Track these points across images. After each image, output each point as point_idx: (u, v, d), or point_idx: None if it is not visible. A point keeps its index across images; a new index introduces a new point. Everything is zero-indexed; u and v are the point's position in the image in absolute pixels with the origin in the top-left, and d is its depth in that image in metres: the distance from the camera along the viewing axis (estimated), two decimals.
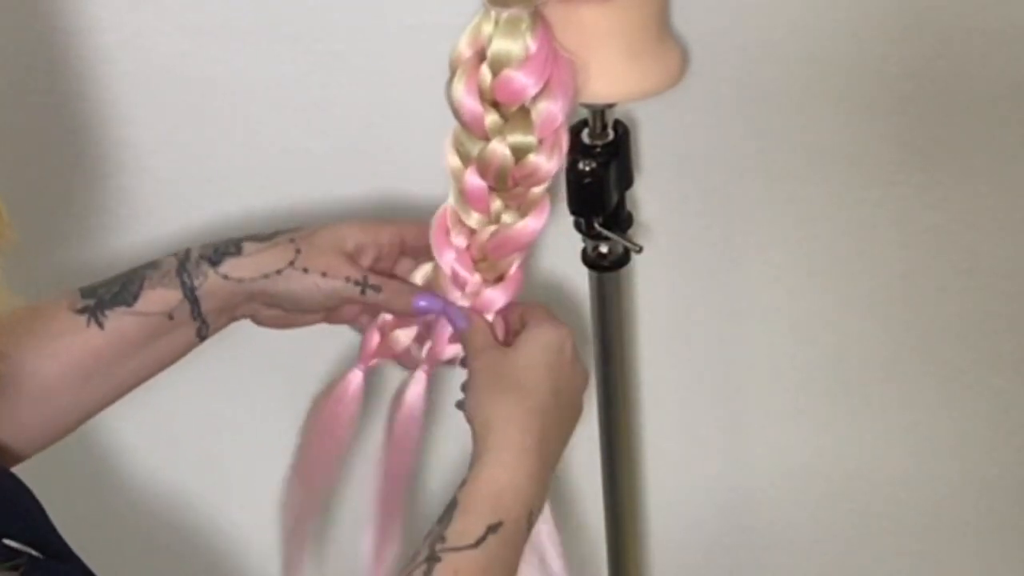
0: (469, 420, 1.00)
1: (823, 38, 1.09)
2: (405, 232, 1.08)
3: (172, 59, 1.19)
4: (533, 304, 1.07)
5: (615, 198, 1.10)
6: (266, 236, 1.06)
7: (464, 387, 1.03)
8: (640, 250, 1.12)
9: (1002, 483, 1.31)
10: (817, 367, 1.29)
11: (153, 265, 1.05)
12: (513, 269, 1.06)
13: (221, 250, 1.05)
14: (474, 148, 1.00)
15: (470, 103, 0.97)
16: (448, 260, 1.05)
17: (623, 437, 1.27)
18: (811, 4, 1.07)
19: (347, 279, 1.05)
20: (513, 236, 1.03)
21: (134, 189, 1.28)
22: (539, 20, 0.96)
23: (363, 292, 1.05)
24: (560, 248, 1.18)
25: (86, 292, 1.04)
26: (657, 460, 1.40)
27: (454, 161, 1.01)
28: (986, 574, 1.38)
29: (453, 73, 0.98)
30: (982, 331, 1.22)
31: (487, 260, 1.05)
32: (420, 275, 1.09)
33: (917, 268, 1.21)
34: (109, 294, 1.03)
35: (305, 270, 1.04)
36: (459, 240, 1.04)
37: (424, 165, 1.06)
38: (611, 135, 1.08)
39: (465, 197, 1.02)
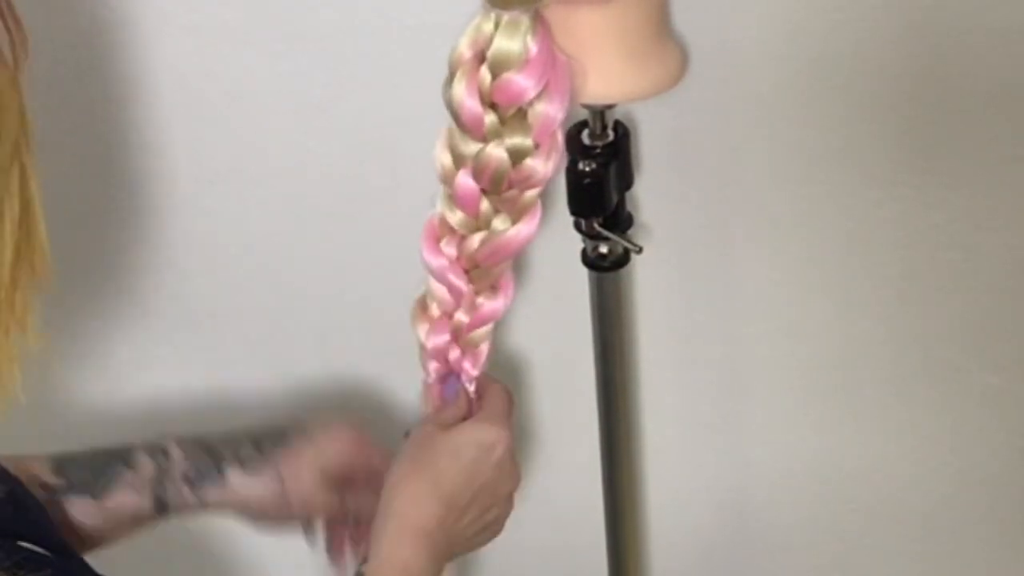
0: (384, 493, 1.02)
1: (823, 38, 1.08)
2: (377, 459, 1.10)
3: (172, 59, 1.19)
4: (496, 392, 1.08)
5: (615, 198, 1.10)
6: (248, 455, 1.07)
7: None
8: (640, 250, 1.12)
9: (1002, 483, 1.30)
10: (817, 367, 1.29)
11: (129, 463, 1.04)
12: (504, 276, 1.06)
13: (204, 472, 1.05)
14: (470, 150, 0.98)
15: (470, 104, 0.96)
16: (439, 267, 1.04)
17: (623, 437, 1.27)
18: (811, 4, 1.07)
19: (328, 507, 1.08)
20: (505, 243, 1.02)
21: (133, 189, 1.29)
22: (539, 22, 0.95)
23: (347, 521, 1.09)
24: (560, 248, 1.17)
25: (57, 467, 1.03)
26: (657, 460, 1.40)
27: (446, 160, 1.00)
28: (986, 574, 1.38)
29: (453, 74, 0.97)
30: (982, 331, 1.22)
31: (479, 268, 1.04)
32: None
33: (917, 268, 1.20)
34: (79, 478, 1.03)
35: (289, 504, 1.07)
36: (450, 249, 1.04)
37: (424, 165, 1.06)
38: (611, 136, 1.08)
39: (455, 199, 1.01)
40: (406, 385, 1.20)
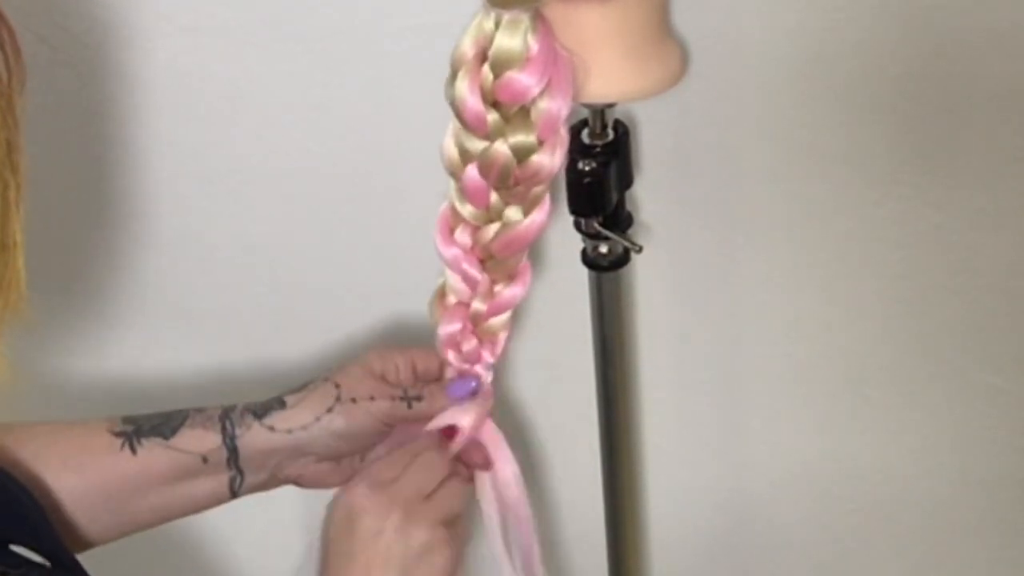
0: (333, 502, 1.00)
1: (823, 38, 1.08)
2: (415, 357, 1.09)
3: (173, 59, 1.19)
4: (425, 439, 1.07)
5: (615, 198, 1.10)
6: (300, 386, 1.07)
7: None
8: (640, 250, 1.12)
9: (1003, 483, 1.30)
10: (817, 367, 1.28)
11: (199, 408, 1.05)
12: (521, 264, 1.06)
13: (266, 405, 1.05)
14: (475, 147, 0.99)
15: (473, 103, 0.96)
16: (453, 257, 1.05)
17: (623, 437, 1.27)
18: (811, 4, 1.07)
19: (392, 397, 1.06)
20: (520, 234, 1.02)
21: (132, 189, 1.29)
22: (540, 20, 0.95)
23: (410, 406, 1.06)
24: (560, 248, 1.18)
25: (127, 419, 1.04)
26: (657, 460, 1.39)
27: (453, 154, 1.00)
28: (987, 574, 1.37)
29: (455, 73, 0.97)
30: (982, 331, 1.22)
31: (494, 259, 1.05)
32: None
33: (917, 268, 1.20)
34: (149, 424, 1.03)
35: (353, 400, 1.05)
36: (464, 238, 1.04)
37: (424, 165, 1.06)
38: (611, 135, 1.08)
39: (465, 192, 1.02)
40: None
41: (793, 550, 1.42)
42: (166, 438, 1.02)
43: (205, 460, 1.03)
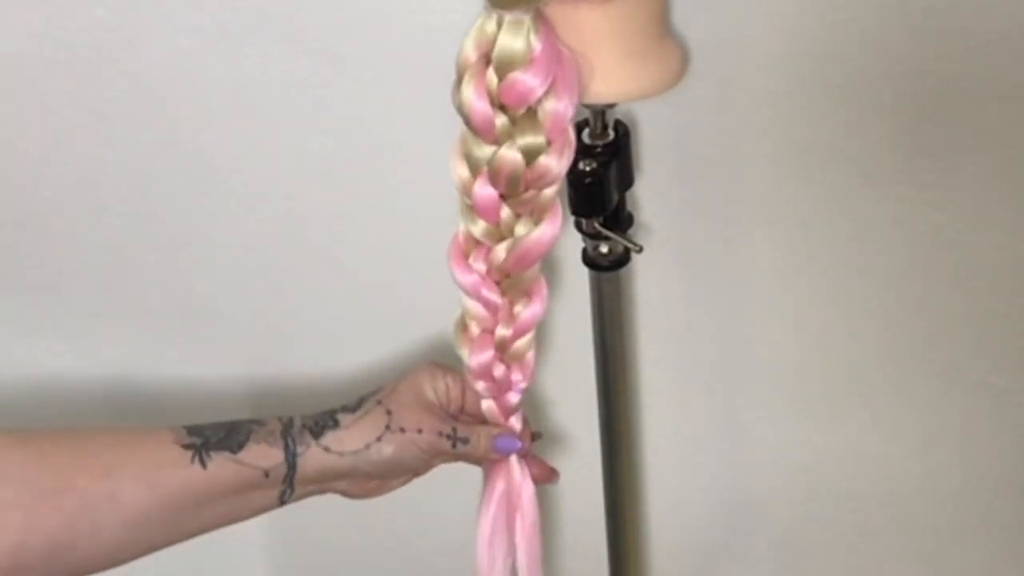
0: None
1: (823, 38, 1.08)
2: (465, 379, 1.11)
3: (172, 58, 1.18)
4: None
5: (615, 198, 1.09)
6: (354, 404, 1.08)
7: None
8: (640, 250, 1.11)
9: (1005, 483, 1.30)
10: (818, 366, 1.28)
11: (259, 421, 1.05)
12: (537, 281, 1.05)
13: (321, 423, 1.06)
14: (484, 154, 0.98)
15: (480, 107, 0.95)
16: (472, 284, 1.04)
17: (623, 437, 1.26)
18: (811, 4, 1.07)
19: (439, 433, 1.07)
20: (532, 246, 1.01)
21: (132, 189, 1.28)
22: (541, 20, 0.94)
23: (454, 446, 1.08)
24: (560, 248, 1.17)
25: (192, 430, 1.03)
26: (657, 460, 1.39)
27: (463, 172, 0.99)
28: (988, 573, 1.37)
29: (460, 77, 0.96)
30: (983, 330, 1.21)
31: (510, 277, 1.04)
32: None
33: (917, 268, 1.19)
34: (216, 437, 1.03)
35: (402, 430, 1.06)
36: (479, 264, 1.03)
37: (424, 165, 1.08)
38: (611, 135, 1.07)
39: (476, 209, 1.00)
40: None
41: (794, 550, 1.42)
42: (234, 452, 1.02)
43: (267, 475, 1.04)
